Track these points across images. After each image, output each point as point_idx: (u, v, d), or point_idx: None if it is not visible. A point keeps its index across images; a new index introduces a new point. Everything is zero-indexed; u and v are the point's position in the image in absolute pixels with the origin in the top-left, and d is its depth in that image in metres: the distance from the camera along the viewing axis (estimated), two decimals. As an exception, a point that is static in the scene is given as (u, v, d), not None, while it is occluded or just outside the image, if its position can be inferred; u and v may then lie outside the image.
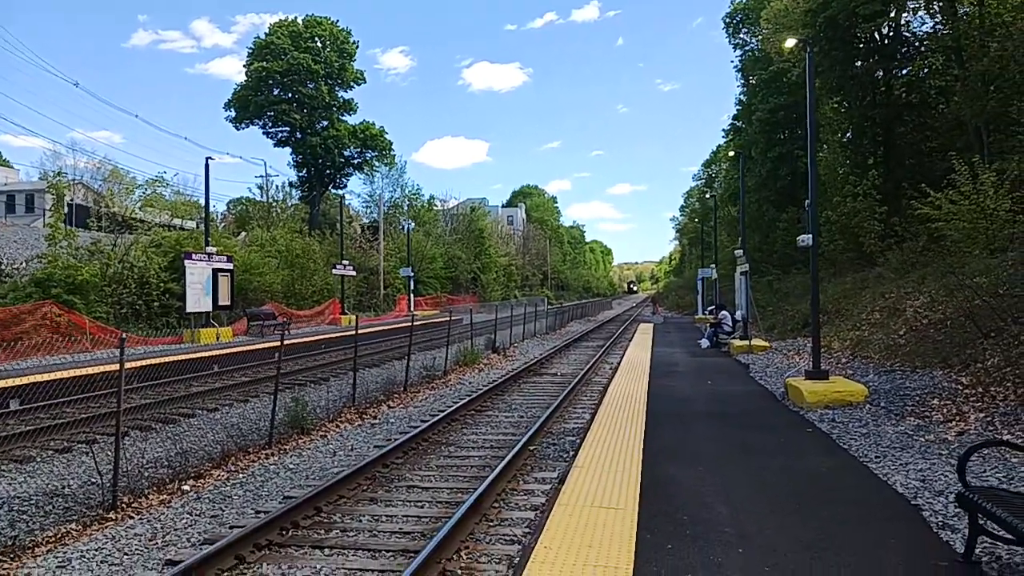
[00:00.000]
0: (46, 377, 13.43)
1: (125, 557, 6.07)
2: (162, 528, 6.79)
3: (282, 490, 7.99)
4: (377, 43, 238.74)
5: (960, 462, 5.04)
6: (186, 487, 8.22)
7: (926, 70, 27.47)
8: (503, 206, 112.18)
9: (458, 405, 12.40)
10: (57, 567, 5.85)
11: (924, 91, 27.64)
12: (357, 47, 60.70)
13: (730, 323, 24.15)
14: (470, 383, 16.67)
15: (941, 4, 25.14)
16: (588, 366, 18.29)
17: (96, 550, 6.22)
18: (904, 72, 28.25)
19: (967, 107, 22.58)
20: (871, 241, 24.28)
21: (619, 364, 18.10)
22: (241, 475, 8.74)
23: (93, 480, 8.07)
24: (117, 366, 7.90)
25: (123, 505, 7.48)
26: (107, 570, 5.79)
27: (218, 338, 26.00)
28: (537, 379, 17.06)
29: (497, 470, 7.76)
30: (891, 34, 27.79)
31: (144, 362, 15.26)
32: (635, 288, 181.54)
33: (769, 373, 15.81)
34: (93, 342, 21.26)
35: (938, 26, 26.46)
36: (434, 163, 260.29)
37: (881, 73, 28.14)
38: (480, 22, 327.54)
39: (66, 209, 37.21)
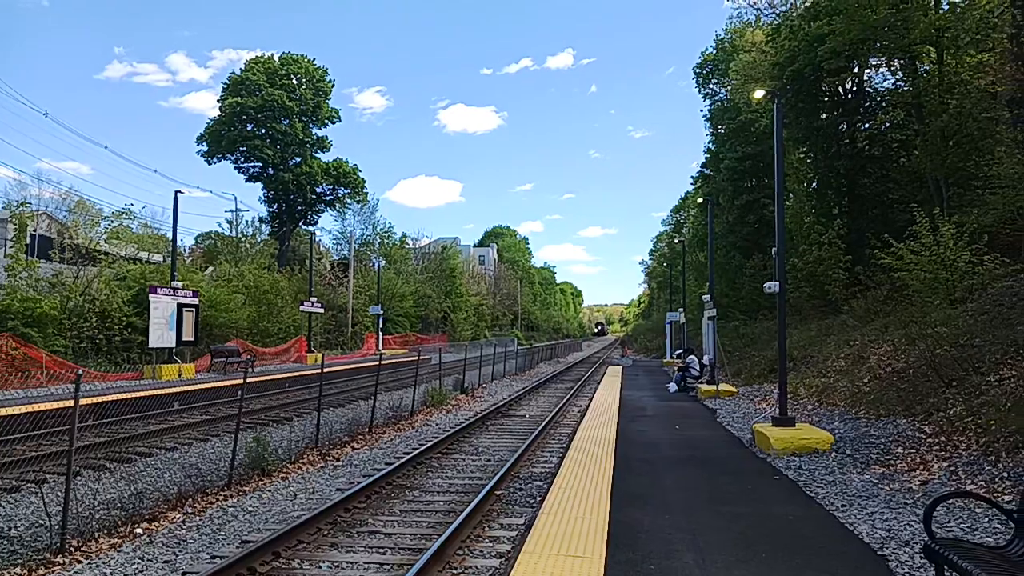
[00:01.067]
0: (-3, 412, 12.98)
1: (70, 605, 5.81)
2: (111, 574, 6.52)
3: (240, 534, 7.74)
4: (354, 82, 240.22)
5: (926, 513, 5.03)
6: (139, 530, 7.93)
7: (887, 124, 28.33)
8: (475, 246, 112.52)
9: (424, 447, 12.21)
10: (-3, 615, 5.57)
11: (886, 144, 28.45)
12: (333, 85, 61.08)
13: (697, 367, 24.25)
14: (437, 424, 16.46)
15: (902, 62, 26.02)
16: (557, 408, 18.19)
17: (40, 597, 5.94)
18: (867, 126, 29.12)
19: (927, 161, 23.24)
20: (836, 289, 24.68)
21: (588, 407, 18.03)
22: (198, 517, 8.46)
23: (41, 522, 7.76)
24: (72, 402, 7.66)
25: (71, 549, 7.18)
26: (50, 619, 5.53)
27: (180, 375, 25.46)
28: (506, 421, 16.90)
29: (462, 516, 7.61)
30: (854, 89, 28.70)
31: (101, 398, 14.83)
32: (604, 330, 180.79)
33: (736, 419, 15.85)
34: (49, 377, 20.69)
35: (899, 83, 27.37)
36: (407, 202, 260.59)
37: (845, 126, 28.99)
38: (457, 65, 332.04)
39: (28, 240, 36.47)
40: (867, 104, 28.66)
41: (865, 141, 29.09)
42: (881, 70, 28.48)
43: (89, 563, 6.85)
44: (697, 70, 45.24)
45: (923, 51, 24.47)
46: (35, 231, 40.58)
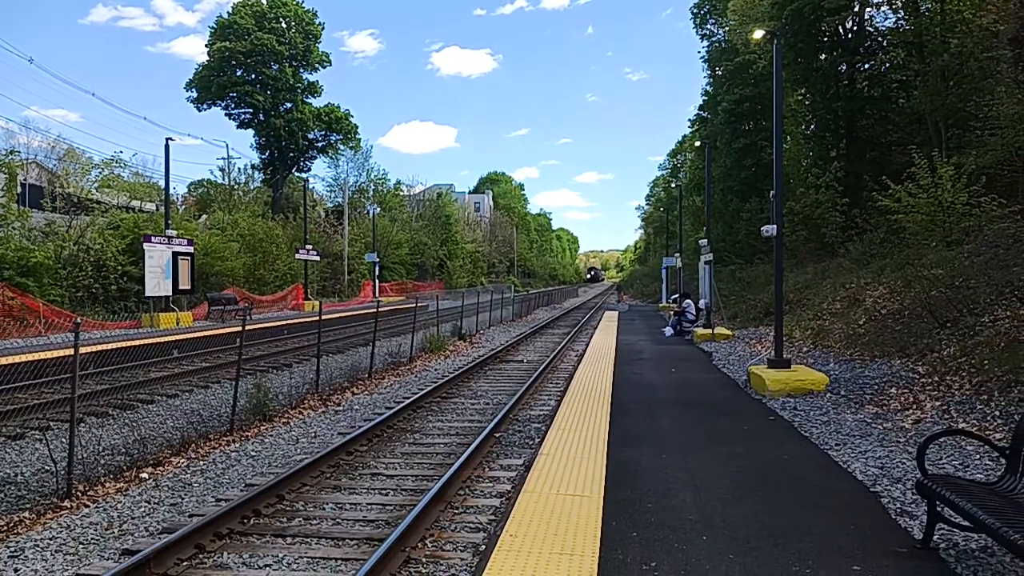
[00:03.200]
0: (-3, 362, 13.04)
1: (81, 546, 5.92)
2: (119, 517, 6.63)
3: (244, 477, 7.86)
4: (345, 25, 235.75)
5: (919, 451, 5.13)
6: (144, 475, 8.05)
7: (887, 65, 27.93)
8: (470, 192, 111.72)
9: (424, 392, 12.33)
10: (9, 557, 5.68)
11: (885, 85, 28.10)
12: (323, 28, 59.79)
13: (693, 312, 24.39)
14: (436, 370, 16.59)
15: (903, 0, 25.53)
16: (554, 353, 18.32)
17: (50, 539, 6.05)
18: (866, 66, 28.67)
19: (926, 102, 23.01)
20: (832, 232, 24.68)
21: (585, 351, 18.17)
22: (201, 462, 8.58)
23: (47, 468, 7.86)
24: (72, 351, 7.68)
25: (78, 493, 7.29)
26: (62, 560, 5.64)
27: (178, 323, 25.54)
28: (503, 366, 17.04)
29: (463, 457, 7.73)
30: (855, 28, 28.17)
31: (100, 347, 14.85)
32: (599, 276, 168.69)
33: (732, 361, 16.00)
34: (47, 326, 20.74)
35: (900, 21, 26.90)
36: (401, 148, 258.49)
37: (844, 67, 28.54)
38: (450, 6, 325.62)
39: (19, 189, 36.09)
40: (867, 44, 28.16)
41: (864, 82, 28.71)
42: (882, 8, 27.94)
43: (96, 507, 6.97)
44: (694, 10, 44.26)
45: (926, -13, 24.01)
46: (25, 180, 40.10)
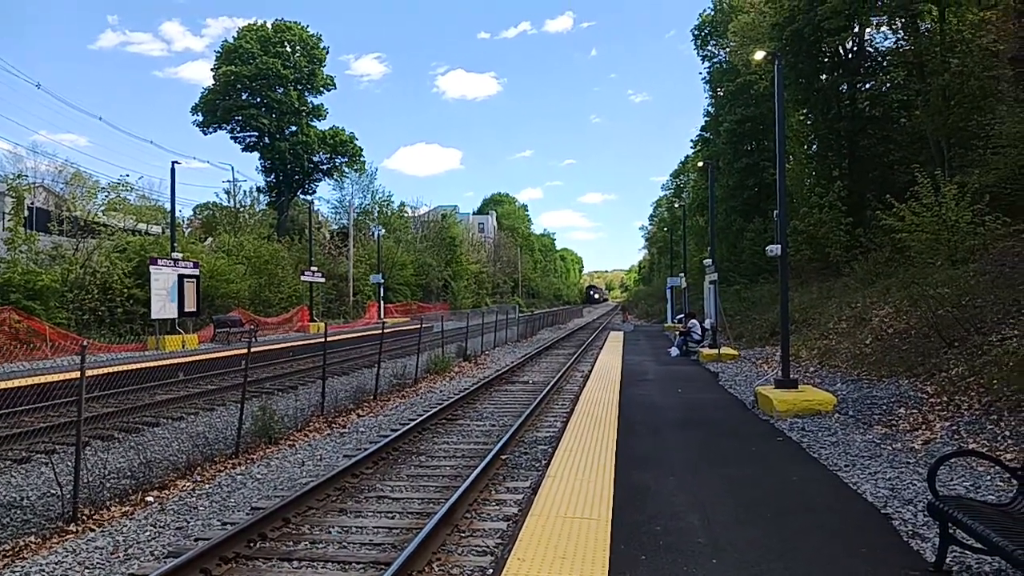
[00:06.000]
0: (3, 385, 13.04)
1: (86, 571, 5.89)
2: (124, 541, 6.60)
3: (249, 501, 7.82)
4: (351, 49, 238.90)
5: (930, 472, 5.09)
6: (150, 498, 8.02)
7: (888, 85, 28.04)
8: (474, 213, 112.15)
9: (429, 414, 12.30)
10: (14, 583, 5.65)
11: (887, 105, 28.18)
12: (327, 52, 60.42)
13: (699, 332, 24.31)
14: (441, 391, 16.55)
15: (903, 20, 25.67)
16: (559, 374, 18.28)
17: (56, 563, 6.03)
18: (868, 86, 28.80)
19: (928, 121, 23.08)
20: (837, 251, 24.65)
21: (590, 372, 18.11)
22: (207, 485, 8.55)
23: (52, 491, 7.84)
24: (78, 374, 7.69)
25: (84, 517, 7.27)
26: (67, 585, 5.61)
27: (183, 345, 25.55)
28: (509, 387, 16.99)
29: (469, 480, 7.69)
30: (855, 49, 28.32)
31: (106, 370, 14.84)
32: (598, 296, 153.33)
33: (738, 382, 15.93)
34: (53, 349, 20.76)
35: (900, 42, 27.04)
36: (407, 170, 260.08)
37: (845, 87, 28.66)
38: (455, 30, 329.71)
39: (26, 212, 36.28)
40: (868, 64, 28.30)
41: (866, 102, 28.79)
42: (882, 29, 28.11)
43: (102, 531, 6.94)
44: (695, 32, 44.70)
45: (924, 9, 24.16)
46: (32, 204, 40.33)
